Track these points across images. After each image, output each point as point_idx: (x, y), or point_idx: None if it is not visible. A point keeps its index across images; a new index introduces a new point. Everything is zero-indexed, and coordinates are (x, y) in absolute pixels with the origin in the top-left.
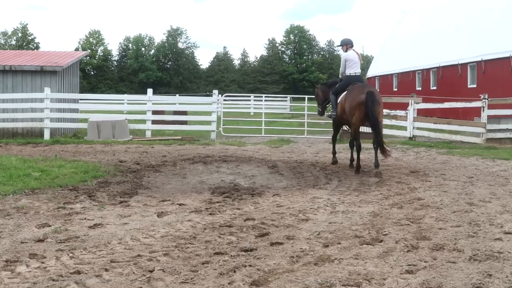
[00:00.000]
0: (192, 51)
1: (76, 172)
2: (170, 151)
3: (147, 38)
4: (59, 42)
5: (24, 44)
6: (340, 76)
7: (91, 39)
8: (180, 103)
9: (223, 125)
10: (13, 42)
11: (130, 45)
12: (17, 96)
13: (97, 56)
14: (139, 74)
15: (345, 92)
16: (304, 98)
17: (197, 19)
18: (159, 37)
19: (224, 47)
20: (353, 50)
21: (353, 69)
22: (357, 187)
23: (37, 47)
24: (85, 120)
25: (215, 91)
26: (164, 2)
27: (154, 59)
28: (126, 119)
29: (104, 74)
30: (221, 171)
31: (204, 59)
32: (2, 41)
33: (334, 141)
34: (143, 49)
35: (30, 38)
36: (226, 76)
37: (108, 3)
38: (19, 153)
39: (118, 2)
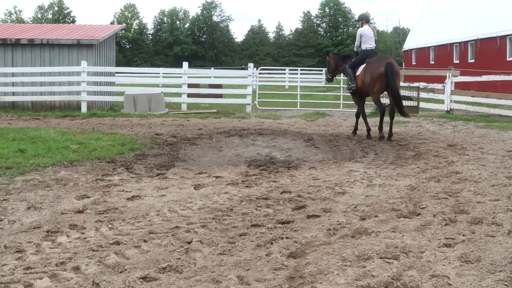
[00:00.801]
0: (227, 24)
1: (114, 145)
2: (206, 124)
3: (182, 11)
4: (95, 16)
5: (61, 18)
6: (355, 50)
7: (126, 12)
8: (215, 77)
9: (258, 98)
10: (50, 16)
11: (165, 18)
12: (55, 69)
13: (132, 29)
14: (174, 47)
15: (363, 65)
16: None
17: None
18: (194, 10)
19: (259, 20)
20: (369, 25)
21: (369, 44)
22: (393, 160)
23: (73, 21)
24: (121, 94)
25: (250, 65)
26: None
27: (189, 32)
28: (162, 92)
29: (140, 48)
30: (256, 144)
31: (238, 33)
32: (39, 15)
33: (364, 116)
34: (178, 22)
35: (66, 12)
36: (261, 50)
37: None
38: (57, 125)
39: None
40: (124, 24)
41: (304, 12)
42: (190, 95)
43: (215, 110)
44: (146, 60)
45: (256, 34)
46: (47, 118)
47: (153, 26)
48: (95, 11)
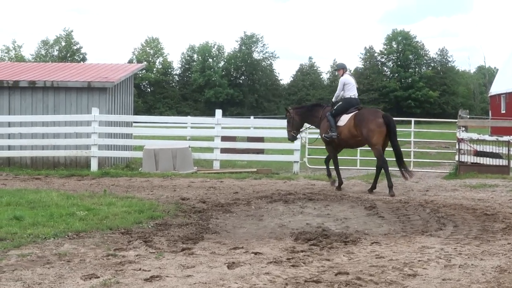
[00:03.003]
0: (271, 62)
1: (129, 212)
2: (243, 187)
3: (216, 47)
4: (110, 53)
5: (68, 55)
6: (334, 99)
7: (147, 48)
8: (255, 127)
9: (309, 154)
10: (55, 53)
11: (195, 55)
12: (60, 118)
13: (155, 69)
14: (206, 91)
15: (349, 114)
16: (411, 121)
17: (277, 24)
18: (230, 45)
19: (310, 58)
20: (348, 74)
21: (352, 92)
22: (478, 234)
23: (83, 59)
24: (140, 148)
25: None
26: (235, 4)
27: (224, 72)
28: (189, 146)
29: (163, 92)
30: (306, 212)
31: (285, 73)
32: (43, 52)
33: (337, 166)
34: (210, 60)
35: (75, 47)
36: (312, 94)
37: (169, 5)
38: (61, 187)
39: (180, 4)
40: (145, 63)
41: (366, 47)
42: (224, 151)
43: (255, 169)
44: (171, 107)
45: (306, 74)
46: (49, 177)
47: (180, 65)
48: (110, 47)
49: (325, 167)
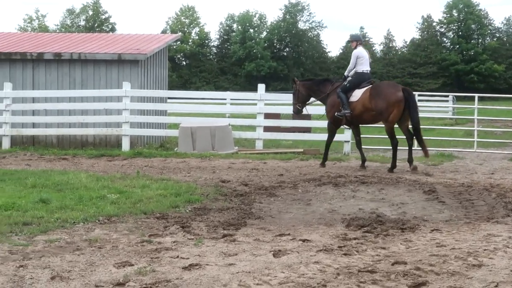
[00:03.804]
0: (318, 33)
1: (165, 195)
2: (289, 169)
3: (257, 16)
4: (141, 22)
5: (96, 25)
6: (347, 73)
7: (182, 18)
8: None
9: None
10: (82, 23)
11: (235, 25)
12: (88, 93)
13: (190, 40)
14: (247, 64)
15: (362, 89)
16: (474, 97)
17: None
18: (273, 14)
19: (361, 28)
20: (362, 46)
21: (365, 67)
22: None
23: (112, 29)
24: (175, 126)
25: None
26: None
27: (266, 44)
28: (229, 124)
29: (200, 65)
30: (358, 197)
31: (333, 44)
32: (68, 22)
33: (329, 144)
34: (251, 30)
35: (103, 17)
36: None
37: None
38: (91, 168)
39: None
40: (180, 34)
41: (423, 16)
42: (267, 129)
43: (302, 150)
44: (209, 81)
45: None
46: (77, 158)
47: (218, 36)
48: (141, 17)
49: (377, 147)
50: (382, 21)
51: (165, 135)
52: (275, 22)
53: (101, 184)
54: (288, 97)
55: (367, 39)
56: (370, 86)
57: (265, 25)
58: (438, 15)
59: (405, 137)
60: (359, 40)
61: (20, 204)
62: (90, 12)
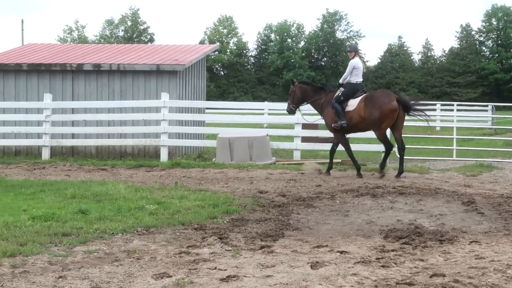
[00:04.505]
0: (356, 42)
1: (203, 206)
2: (327, 179)
3: (295, 25)
4: (179, 33)
5: (135, 35)
6: (341, 81)
7: (220, 28)
8: None
9: None
10: (121, 33)
11: (273, 35)
12: (127, 104)
13: (228, 50)
14: (285, 73)
15: (357, 98)
16: None
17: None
18: (311, 24)
19: (399, 37)
20: (358, 57)
21: (359, 78)
22: None
23: (151, 40)
24: (213, 137)
25: None
26: None
27: (304, 54)
28: (267, 135)
29: (238, 75)
30: (396, 208)
31: (371, 54)
32: (108, 32)
33: (351, 153)
34: (289, 40)
35: (142, 27)
36: (402, 77)
37: None
38: (129, 179)
39: None
40: (218, 44)
41: (462, 25)
42: (305, 139)
43: (339, 160)
44: (247, 91)
45: (395, 55)
46: (116, 168)
47: (256, 46)
48: (179, 27)
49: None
50: (421, 30)
51: (203, 145)
52: (313, 32)
53: (140, 194)
54: None
55: (405, 48)
56: (365, 95)
57: (303, 35)
58: (477, 23)
59: (396, 146)
60: (356, 50)
61: (60, 214)
62: (129, 23)
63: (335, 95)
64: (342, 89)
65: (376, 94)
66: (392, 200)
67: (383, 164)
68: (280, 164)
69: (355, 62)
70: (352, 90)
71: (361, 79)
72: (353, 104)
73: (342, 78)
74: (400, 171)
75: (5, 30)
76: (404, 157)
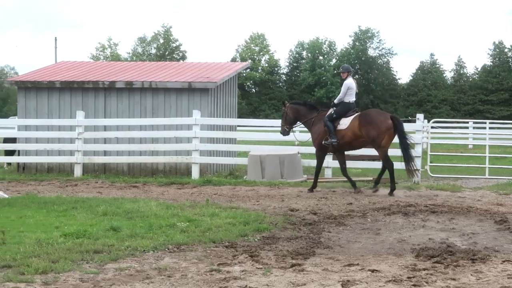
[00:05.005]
0: (387, 60)
1: (234, 223)
2: (358, 197)
3: (327, 43)
4: (211, 50)
5: (167, 53)
6: (336, 101)
7: (252, 45)
8: None
9: (431, 162)
10: (153, 51)
11: (304, 52)
12: (159, 121)
13: (260, 68)
14: (316, 90)
15: (350, 117)
16: None
17: (394, 17)
18: (343, 41)
19: (431, 55)
20: (351, 77)
21: (352, 97)
22: None
23: (183, 57)
24: (244, 154)
25: (420, 116)
26: None
27: (335, 71)
28: (298, 152)
29: (269, 92)
30: (428, 226)
31: (403, 71)
32: (140, 50)
33: (319, 171)
34: (321, 57)
35: (174, 45)
36: (434, 94)
37: None
38: (160, 196)
39: None
40: (250, 61)
41: (494, 43)
42: (336, 157)
43: (371, 178)
44: (278, 109)
45: (428, 73)
46: (147, 185)
47: (287, 63)
48: (211, 45)
49: (447, 175)
50: (453, 47)
51: (234, 163)
52: (344, 49)
53: (171, 212)
54: None
55: (437, 65)
56: (358, 114)
57: (335, 52)
58: (510, 41)
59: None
60: (349, 71)
61: (91, 231)
62: (161, 40)
63: (328, 113)
64: (334, 108)
65: (371, 113)
66: (424, 218)
67: (378, 180)
68: (311, 182)
69: (349, 82)
70: (345, 109)
71: (354, 99)
72: (345, 123)
73: (337, 98)
74: (392, 188)
75: (38, 47)
76: (391, 172)
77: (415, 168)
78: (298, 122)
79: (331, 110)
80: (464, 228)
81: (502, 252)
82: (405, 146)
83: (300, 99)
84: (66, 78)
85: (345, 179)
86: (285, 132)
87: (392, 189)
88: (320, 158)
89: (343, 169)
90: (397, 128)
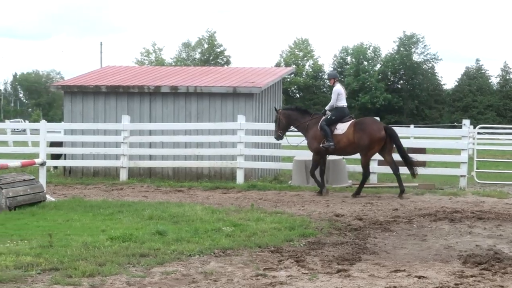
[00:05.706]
0: (432, 65)
1: (279, 228)
2: (404, 203)
3: (371, 48)
4: (255, 55)
5: (211, 58)
6: (328, 108)
7: (296, 50)
8: (415, 137)
9: (477, 168)
10: (197, 56)
11: (349, 57)
12: (203, 126)
13: (304, 73)
14: (361, 96)
15: (346, 123)
16: None
17: (439, 22)
18: (387, 46)
19: (477, 60)
20: (339, 83)
21: (343, 102)
22: None
23: (227, 62)
24: (289, 159)
25: (466, 121)
26: (393, 1)
27: (380, 76)
28: (343, 158)
29: (314, 97)
30: (475, 233)
31: (448, 77)
32: (184, 55)
33: (323, 173)
34: (365, 63)
35: (218, 50)
36: (480, 100)
37: (320, 2)
38: (206, 200)
39: (332, 2)
40: (294, 67)
41: None
42: (381, 163)
43: (416, 184)
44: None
45: (473, 79)
46: (192, 190)
47: (332, 68)
48: (255, 50)
49: (494, 182)
50: (499, 53)
51: (279, 168)
52: (389, 55)
53: (216, 216)
54: (402, 130)
55: (483, 71)
56: (354, 120)
57: (379, 58)
58: None
59: (392, 170)
60: (337, 77)
61: (137, 235)
62: (206, 46)
63: (325, 117)
64: (329, 113)
65: (366, 121)
66: (471, 225)
67: (359, 190)
68: (356, 187)
69: (338, 89)
70: (341, 114)
71: (346, 103)
72: (342, 128)
73: (329, 105)
74: (402, 190)
75: (84, 52)
76: (363, 181)
77: (416, 172)
78: (291, 127)
79: (326, 116)
80: None
81: None
82: (404, 154)
83: (292, 105)
84: (112, 82)
85: (391, 184)
86: (278, 137)
87: (356, 194)
88: (317, 160)
89: (322, 171)
90: (392, 137)
